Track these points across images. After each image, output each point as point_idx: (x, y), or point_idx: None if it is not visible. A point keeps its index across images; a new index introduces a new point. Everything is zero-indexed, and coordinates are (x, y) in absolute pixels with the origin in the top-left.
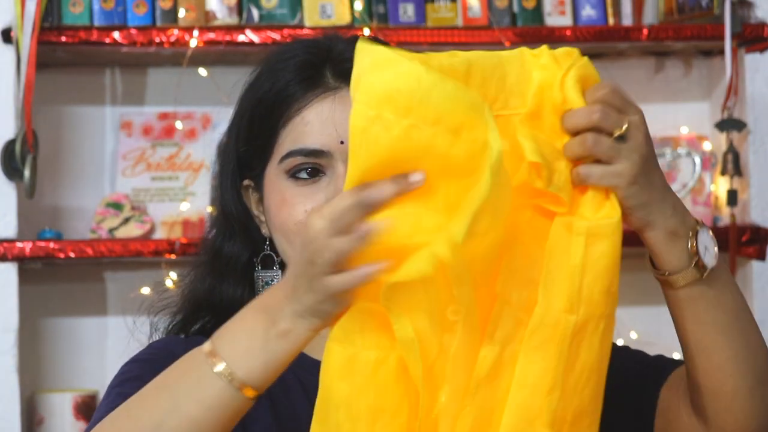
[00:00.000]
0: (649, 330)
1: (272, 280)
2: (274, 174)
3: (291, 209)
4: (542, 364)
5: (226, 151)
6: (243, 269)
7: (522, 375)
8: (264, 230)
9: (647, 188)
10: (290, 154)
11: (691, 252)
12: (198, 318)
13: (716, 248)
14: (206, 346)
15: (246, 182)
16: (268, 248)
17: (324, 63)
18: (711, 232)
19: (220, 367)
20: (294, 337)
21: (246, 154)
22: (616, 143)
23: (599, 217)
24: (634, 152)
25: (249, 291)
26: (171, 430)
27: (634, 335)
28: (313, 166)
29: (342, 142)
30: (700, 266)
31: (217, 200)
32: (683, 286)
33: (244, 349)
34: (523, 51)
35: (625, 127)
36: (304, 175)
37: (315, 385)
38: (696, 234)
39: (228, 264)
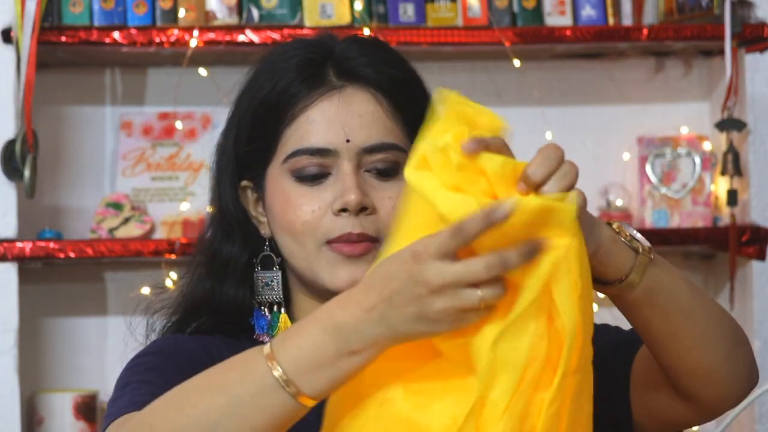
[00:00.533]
0: None
1: (272, 281)
2: (277, 174)
3: (297, 209)
4: None
5: (224, 151)
6: (242, 270)
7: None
8: (263, 231)
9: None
10: (295, 153)
11: (630, 242)
12: (195, 318)
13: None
14: (267, 351)
15: (244, 183)
16: (268, 249)
17: (326, 62)
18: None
19: (283, 379)
20: (367, 355)
21: (246, 154)
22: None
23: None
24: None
25: (248, 291)
26: None
27: None
28: (318, 166)
29: (348, 141)
30: (644, 251)
31: (215, 201)
32: (639, 281)
33: (311, 365)
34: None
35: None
36: (309, 174)
37: None
38: (621, 228)
39: (227, 265)
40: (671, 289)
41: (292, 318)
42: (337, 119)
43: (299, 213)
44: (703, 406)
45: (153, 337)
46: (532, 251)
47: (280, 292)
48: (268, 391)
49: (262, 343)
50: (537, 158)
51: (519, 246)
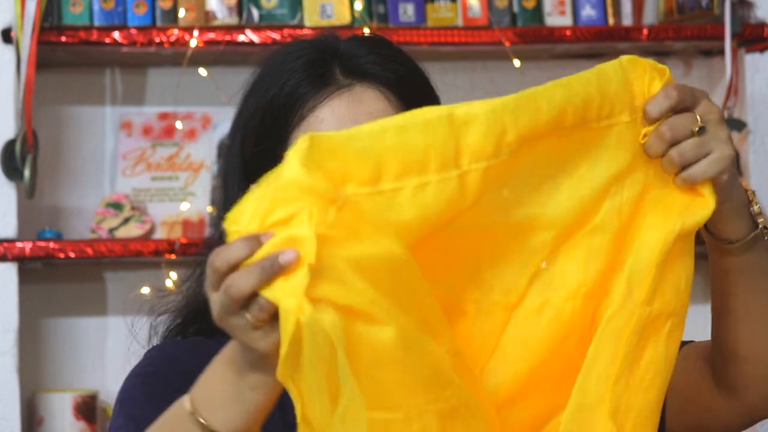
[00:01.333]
0: None
1: None
2: None
3: None
4: (612, 352)
5: (231, 153)
6: None
7: (592, 360)
8: None
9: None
10: None
11: (756, 214)
12: (197, 320)
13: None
14: (186, 401)
15: (252, 187)
16: None
17: (332, 61)
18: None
19: (195, 417)
20: (266, 388)
21: (254, 156)
22: (699, 135)
23: (695, 214)
24: (721, 131)
25: None
26: None
27: None
28: None
29: None
30: (764, 228)
31: (221, 202)
32: (743, 252)
33: (219, 403)
34: (621, 60)
35: (701, 111)
36: None
37: None
38: (753, 197)
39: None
40: (766, 272)
41: None
42: (347, 118)
43: None
44: (746, 403)
45: (155, 339)
46: (265, 272)
47: None
48: (189, 427)
49: None
50: (657, 94)
51: (249, 269)
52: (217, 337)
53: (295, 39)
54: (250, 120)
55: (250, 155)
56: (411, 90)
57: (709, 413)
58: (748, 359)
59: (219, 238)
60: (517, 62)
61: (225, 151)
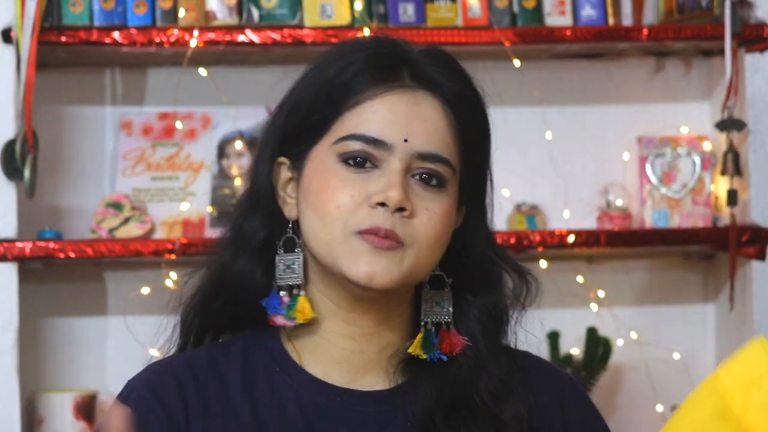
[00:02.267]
0: (648, 330)
1: (293, 264)
2: (324, 153)
3: (336, 192)
4: None
5: (272, 126)
6: (259, 247)
7: None
8: (288, 212)
9: None
10: (350, 137)
11: None
12: (216, 296)
13: None
14: None
15: (281, 159)
16: (291, 231)
17: (402, 62)
18: None
19: None
20: None
21: (296, 129)
22: None
23: None
24: None
25: (259, 271)
26: None
27: (633, 335)
28: (366, 156)
29: (406, 140)
30: None
31: (249, 174)
32: None
33: None
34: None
35: None
36: (357, 160)
37: (314, 407)
38: None
39: (245, 239)
40: None
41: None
42: (401, 116)
43: (337, 195)
44: None
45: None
46: None
47: (302, 275)
48: None
49: (270, 328)
50: None
51: None
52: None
53: (295, 39)
54: (302, 93)
55: (292, 127)
56: (471, 113)
57: None
58: None
59: (237, 210)
60: (517, 62)
61: (266, 123)
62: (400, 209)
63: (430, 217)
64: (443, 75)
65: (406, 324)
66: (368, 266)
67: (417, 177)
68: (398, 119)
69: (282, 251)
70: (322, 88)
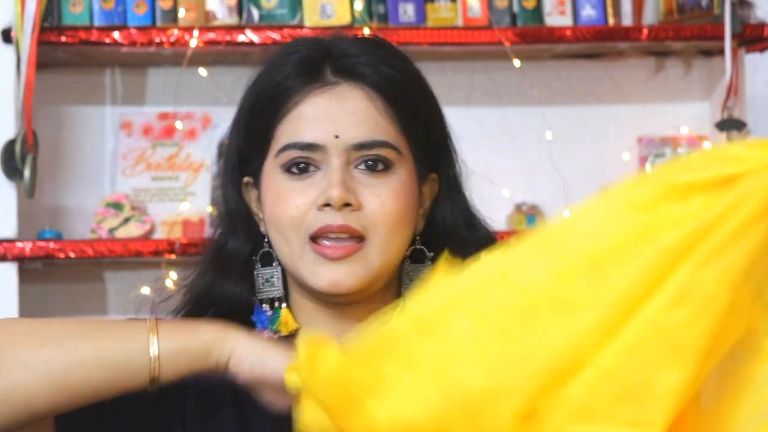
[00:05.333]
0: None
1: (272, 277)
2: (270, 168)
3: (285, 204)
4: None
5: (229, 148)
6: (243, 266)
7: None
8: (263, 227)
9: None
10: (286, 148)
11: None
12: (199, 315)
13: None
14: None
15: (246, 179)
16: (267, 245)
17: (325, 59)
18: None
19: (153, 351)
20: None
21: (246, 148)
22: None
23: None
24: None
25: (246, 288)
26: (74, 379)
27: None
28: (306, 161)
29: (337, 137)
30: None
31: (219, 198)
32: None
33: (182, 356)
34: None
35: None
36: (297, 168)
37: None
38: None
39: (228, 261)
40: None
41: (291, 312)
42: (327, 115)
43: (286, 207)
44: None
45: None
46: None
47: (281, 288)
48: (133, 361)
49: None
50: None
51: None
52: None
53: (295, 38)
54: (242, 113)
55: (243, 146)
56: (401, 93)
57: None
58: None
59: (214, 233)
60: (517, 62)
61: (224, 146)
62: (346, 205)
63: (383, 202)
64: (366, 63)
65: (393, 301)
66: (330, 274)
67: (362, 167)
68: (325, 118)
69: (259, 266)
70: (255, 105)
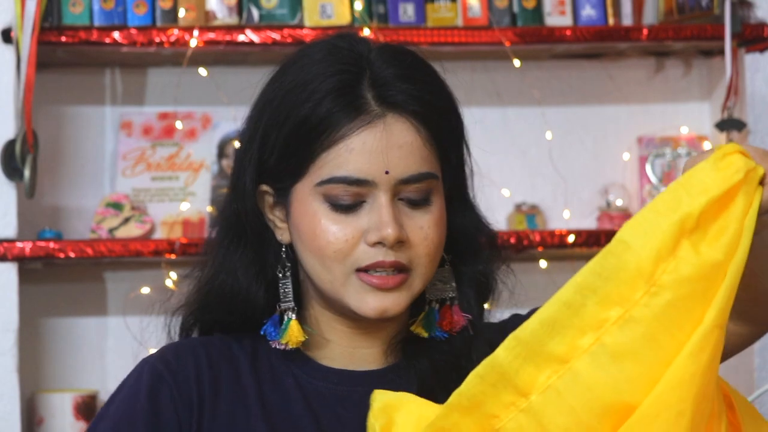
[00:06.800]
0: None
1: (285, 288)
2: (308, 194)
3: (330, 236)
4: None
5: (247, 156)
6: (257, 271)
7: None
8: (280, 236)
9: None
10: (332, 180)
11: None
12: (204, 317)
13: None
14: None
15: (264, 188)
16: (284, 254)
17: (361, 81)
18: None
19: None
20: None
21: (276, 166)
22: None
23: None
24: None
25: (266, 291)
26: None
27: None
28: (354, 195)
29: (387, 172)
30: None
31: (228, 202)
32: None
33: None
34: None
35: None
36: (344, 203)
37: (314, 390)
38: None
39: (236, 267)
40: None
41: (303, 324)
42: (377, 150)
43: (331, 240)
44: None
45: (174, 333)
46: None
47: (292, 300)
48: None
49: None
50: None
51: None
52: (216, 336)
53: (295, 39)
54: (272, 128)
55: (271, 162)
56: (444, 123)
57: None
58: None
59: (220, 236)
60: (517, 62)
61: (240, 150)
62: (398, 242)
63: (426, 235)
64: (407, 91)
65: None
66: (378, 302)
67: (404, 200)
68: (375, 154)
69: (281, 276)
70: (294, 130)
